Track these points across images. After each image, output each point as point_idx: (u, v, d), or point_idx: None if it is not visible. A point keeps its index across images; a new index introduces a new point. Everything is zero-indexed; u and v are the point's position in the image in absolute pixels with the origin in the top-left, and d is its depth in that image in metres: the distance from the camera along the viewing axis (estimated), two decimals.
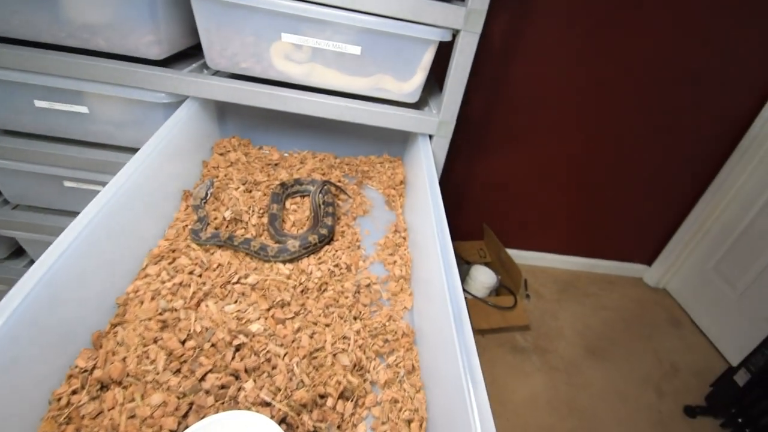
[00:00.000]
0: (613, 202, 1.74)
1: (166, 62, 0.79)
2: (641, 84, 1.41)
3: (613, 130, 1.53)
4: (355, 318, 0.57)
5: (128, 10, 0.69)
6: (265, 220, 0.70)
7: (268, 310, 0.56)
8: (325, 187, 0.75)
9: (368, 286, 0.64)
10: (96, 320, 0.51)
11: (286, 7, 0.68)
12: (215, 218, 0.68)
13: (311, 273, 0.62)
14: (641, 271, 1.98)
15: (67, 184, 0.87)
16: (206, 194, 0.70)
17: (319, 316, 0.56)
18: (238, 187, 0.74)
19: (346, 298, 0.60)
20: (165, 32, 0.74)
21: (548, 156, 1.60)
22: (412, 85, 0.79)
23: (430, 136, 0.84)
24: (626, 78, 1.39)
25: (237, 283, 0.59)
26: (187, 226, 0.66)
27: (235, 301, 0.56)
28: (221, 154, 0.82)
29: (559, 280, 1.88)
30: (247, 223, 0.68)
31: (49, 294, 0.43)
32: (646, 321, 1.76)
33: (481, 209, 1.76)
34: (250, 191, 0.75)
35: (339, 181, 0.83)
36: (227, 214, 0.68)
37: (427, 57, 0.75)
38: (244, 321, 0.54)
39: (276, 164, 0.85)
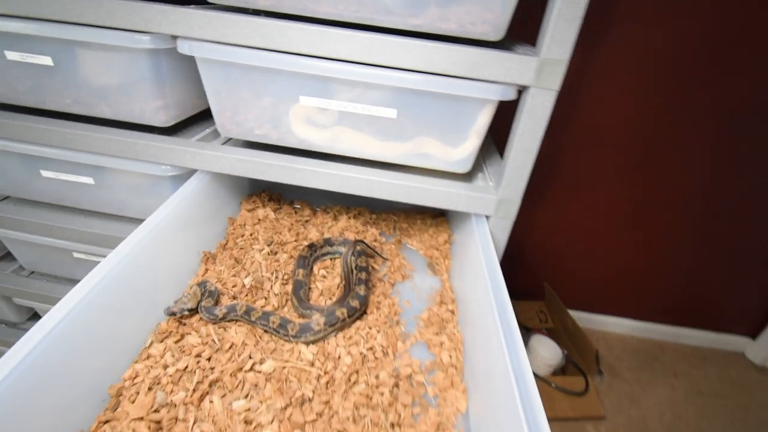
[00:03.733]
0: (704, 258, 1.47)
1: (175, 128, 0.73)
2: (728, 115, 1.20)
3: (699, 170, 1.30)
4: (392, 426, 0.44)
5: (131, 74, 0.63)
6: (289, 287, 0.60)
7: (285, 409, 0.44)
8: (358, 247, 0.65)
9: (409, 377, 0.50)
10: (82, 413, 0.42)
11: (306, 66, 0.57)
12: (234, 285, 0.59)
13: (339, 358, 0.51)
14: (744, 345, 1.64)
15: (77, 255, 0.83)
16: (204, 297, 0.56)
17: (347, 420, 0.44)
18: (263, 249, 0.66)
19: (382, 394, 0.47)
20: (172, 97, 0.68)
21: (621, 203, 1.39)
22: (463, 152, 0.64)
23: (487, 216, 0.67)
24: (712, 110, 1.19)
25: (251, 370, 0.48)
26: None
27: (246, 396, 0.46)
28: (249, 210, 0.76)
29: (638, 353, 1.58)
30: (268, 292, 0.59)
31: (32, 381, 0.36)
32: (754, 411, 1.41)
33: (541, 264, 1.56)
34: (275, 253, 0.66)
35: (375, 240, 0.73)
36: (247, 281, 0.59)
37: (483, 119, 0.60)
38: (253, 425, 0.42)
39: (306, 221, 0.77)
